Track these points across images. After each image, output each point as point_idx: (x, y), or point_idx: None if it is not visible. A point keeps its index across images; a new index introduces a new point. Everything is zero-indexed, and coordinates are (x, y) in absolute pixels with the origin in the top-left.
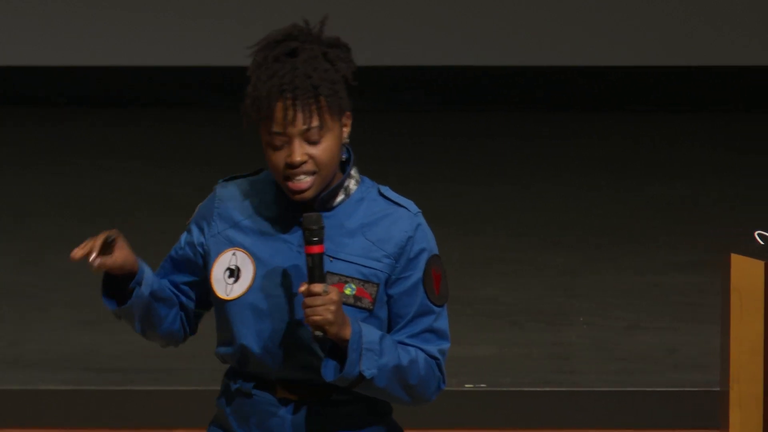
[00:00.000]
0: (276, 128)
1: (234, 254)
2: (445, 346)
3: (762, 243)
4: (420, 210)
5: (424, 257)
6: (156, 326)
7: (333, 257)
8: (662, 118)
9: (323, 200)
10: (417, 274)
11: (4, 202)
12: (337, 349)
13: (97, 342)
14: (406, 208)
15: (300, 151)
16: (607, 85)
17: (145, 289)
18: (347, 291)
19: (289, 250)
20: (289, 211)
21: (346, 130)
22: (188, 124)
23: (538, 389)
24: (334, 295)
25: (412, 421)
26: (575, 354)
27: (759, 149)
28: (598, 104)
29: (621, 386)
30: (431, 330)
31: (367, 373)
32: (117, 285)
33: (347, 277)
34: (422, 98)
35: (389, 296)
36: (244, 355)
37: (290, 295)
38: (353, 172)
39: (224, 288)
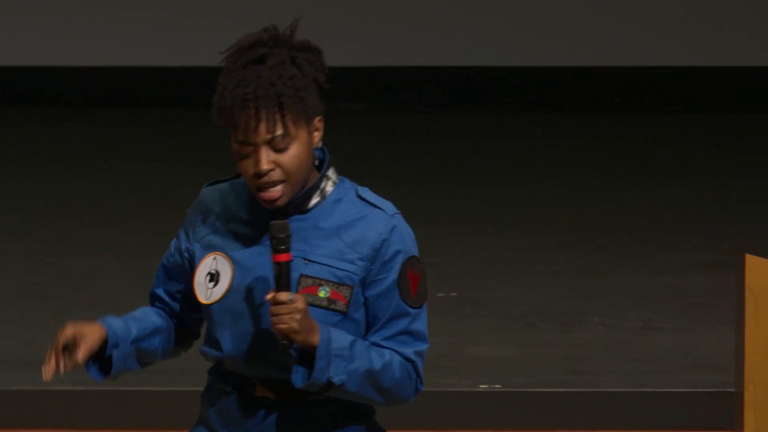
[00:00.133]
0: (241, 137)
1: (215, 258)
2: (422, 347)
3: None
4: (398, 211)
5: (399, 259)
6: (153, 358)
7: (308, 260)
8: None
9: (297, 203)
10: (392, 276)
11: (17, 203)
12: (308, 354)
13: None
14: (382, 209)
15: (266, 159)
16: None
17: (123, 347)
18: (321, 294)
19: (266, 253)
20: (266, 215)
21: (318, 135)
22: (188, 124)
23: (553, 390)
24: (300, 303)
25: (425, 422)
26: (590, 355)
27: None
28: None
29: (636, 387)
30: (407, 332)
31: (336, 380)
32: (97, 355)
33: (321, 279)
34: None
35: (366, 298)
36: (224, 355)
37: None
38: (329, 173)
39: (205, 292)
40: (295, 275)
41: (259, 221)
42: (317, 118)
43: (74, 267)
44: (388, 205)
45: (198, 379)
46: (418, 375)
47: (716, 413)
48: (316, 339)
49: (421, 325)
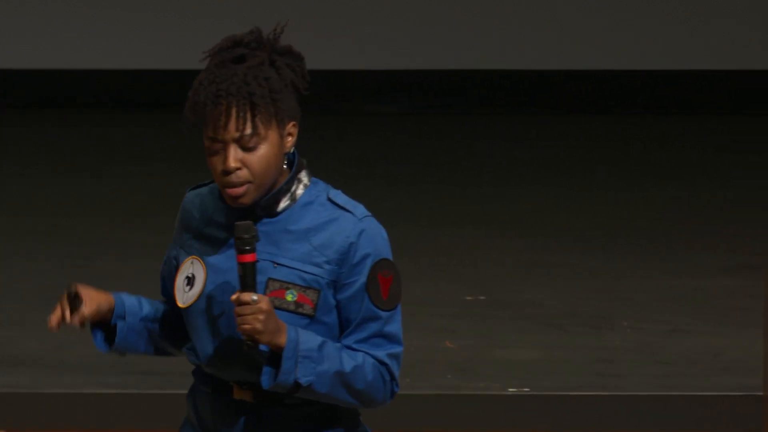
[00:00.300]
0: (211, 133)
1: (192, 263)
2: (396, 350)
3: None
4: (369, 215)
5: (368, 262)
6: (167, 345)
7: (276, 263)
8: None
9: (265, 206)
10: (361, 279)
11: (43, 205)
12: (277, 356)
13: None
14: (351, 213)
15: (234, 156)
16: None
17: (131, 320)
18: (288, 297)
19: (234, 255)
20: (239, 217)
21: (291, 140)
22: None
23: (582, 393)
24: (263, 304)
25: (454, 425)
26: (618, 358)
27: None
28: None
29: (664, 390)
30: (380, 335)
31: (304, 381)
32: (107, 327)
33: (288, 283)
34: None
35: (337, 301)
36: (200, 358)
37: None
38: (301, 176)
39: (182, 296)
40: (263, 278)
41: (232, 224)
42: (291, 123)
43: (103, 269)
44: (359, 209)
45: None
46: (392, 378)
47: (744, 416)
48: (282, 340)
49: (394, 327)
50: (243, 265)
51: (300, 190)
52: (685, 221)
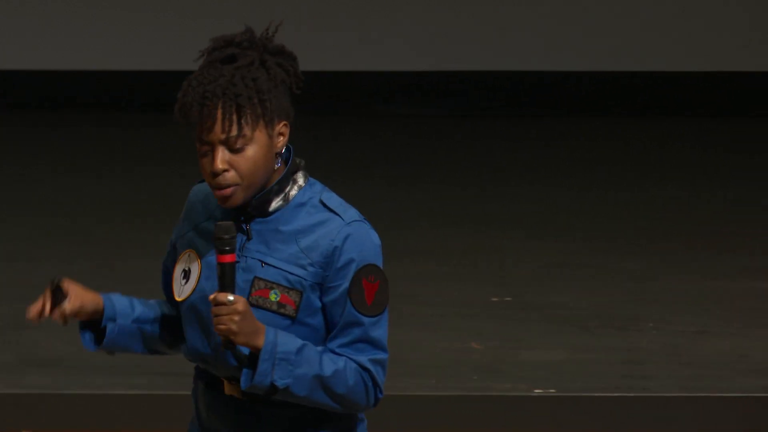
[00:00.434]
0: (198, 135)
1: (189, 255)
2: (380, 356)
3: None
4: (359, 219)
5: (352, 267)
6: (161, 346)
7: (264, 263)
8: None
9: (256, 205)
10: (345, 284)
11: (78, 207)
12: (255, 357)
13: None
14: (340, 216)
15: (221, 158)
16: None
17: (122, 322)
18: (272, 297)
19: None
20: (234, 214)
21: (282, 140)
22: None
23: (609, 395)
24: (239, 305)
25: (480, 426)
26: (645, 359)
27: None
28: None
29: (691, 391)
30: (364, 340)
31: (280, 383)
32: (96, 328)
33: (273, 283)
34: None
35: (324, 304)
36: (191, 354)
37: None
38: (297, 176)
39: (179, 289)
40: (249, 277)
41: (228, 220)
42: (282, 123)
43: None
44: (349, 213)
45: None
46: (374, 383)
47: None
48: (260, 342)
49: (379, 333)
50: (222, 266)
51: (294, 191)
52: (709, 223)
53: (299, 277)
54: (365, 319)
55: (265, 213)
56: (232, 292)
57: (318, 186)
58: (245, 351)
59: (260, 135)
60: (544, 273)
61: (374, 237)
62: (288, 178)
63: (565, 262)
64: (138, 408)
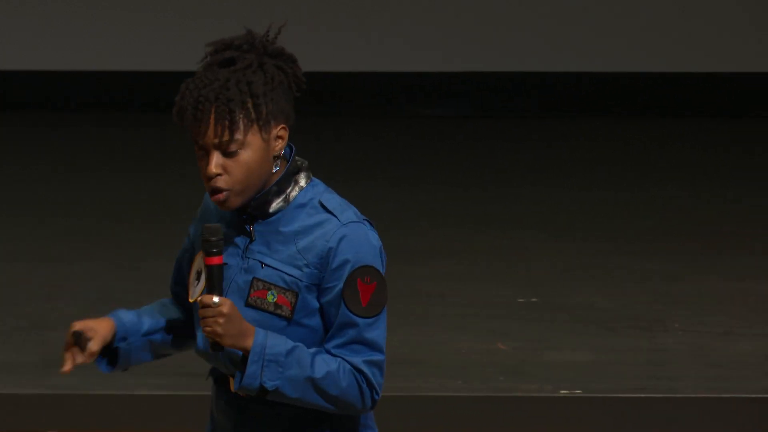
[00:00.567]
0: (194, 138)
1: (202, 257)
2: (376, 357)
3: None
4: (356, 220)
5: (347, 269)
6: (170, 349)
7: (264, 264)
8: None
9: (256, 207)
10: (340, 285)
11: (97, 208)
12: (246, 359)
13: None
14: (336, 218)
15: (215, 162)
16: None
17: (133, 339)
18: (269, 298)
19: (236, 254)
20: (241, 215)
21: (281, 143)
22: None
23: (634, 395)
24: (224, 308)
25: (506, 427)
26: (670, 360)
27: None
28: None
29: (717, 392)
30: (359, 341)
31: (269, 385)
32: (108, 349)
33: (270, 284)
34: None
35: (321, 305)
36: (200, 352)
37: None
38: (299, 177)
39: (192, 290)
40: (249, 278)
41: (236, 221)
42: (279, 126)
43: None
44: (347, 214)
45: None
46: (370, 385)
47: None
48: (248, 343)
49: (375, 334)
50: (209, 267)
51: (295, 192)
52: (738, 224)
53: (295, 278)
54: (360, 321)
55: (266, 214)
56: (220, 294)
57: (320, 187)
58: (239, 353)
59: (254, 139)
60: (569, 274)
61: (373, 238)
62: (288, 179)
63: (589, 263)
64: (162, 408)
